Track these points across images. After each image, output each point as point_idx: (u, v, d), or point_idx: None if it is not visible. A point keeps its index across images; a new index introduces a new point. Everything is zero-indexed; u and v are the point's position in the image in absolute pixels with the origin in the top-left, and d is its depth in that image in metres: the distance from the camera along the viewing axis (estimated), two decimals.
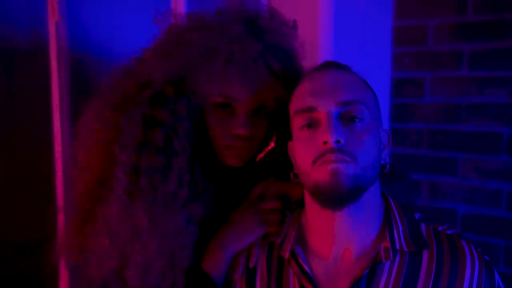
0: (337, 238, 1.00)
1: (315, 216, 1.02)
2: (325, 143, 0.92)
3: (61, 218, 1.76)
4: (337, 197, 0.93)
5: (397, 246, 0.98)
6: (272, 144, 1.31)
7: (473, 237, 1.95)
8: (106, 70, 1.74)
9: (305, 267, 1.01)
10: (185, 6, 1.99)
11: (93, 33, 1.93)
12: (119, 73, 1.26)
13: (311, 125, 0.97)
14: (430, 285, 0.96)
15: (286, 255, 1.04)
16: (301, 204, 1.11)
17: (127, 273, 1.11)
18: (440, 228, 1.03)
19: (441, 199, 2.01)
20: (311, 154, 0.95)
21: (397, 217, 1.03)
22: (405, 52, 2.15)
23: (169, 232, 1.11)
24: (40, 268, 1.74)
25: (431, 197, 2.01)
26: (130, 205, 1.11)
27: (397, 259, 0.98)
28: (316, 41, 1.88)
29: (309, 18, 1.90)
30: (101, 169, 1.18)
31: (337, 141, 0.92)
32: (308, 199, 1.02)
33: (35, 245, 1.77)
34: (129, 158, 1.12)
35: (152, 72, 1.17)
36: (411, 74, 2.14)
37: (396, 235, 1.00)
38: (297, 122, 0.99)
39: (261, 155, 1.31)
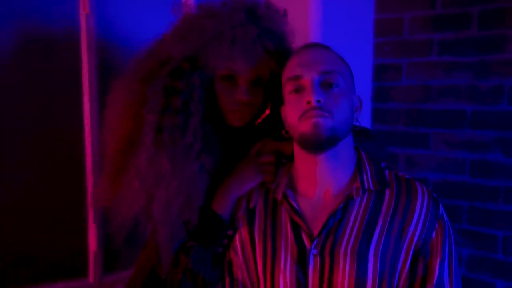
0: (319, 181, 1.16)
1: (302, 161, 1.17)
2: (308, 102, 1.07)
3: (89, 182, 1.91)
4: (318, 143, 1.09)
5: (366, 186, 1.13)
6: (267, 111, 1.42)
7: (442, 200, 2.00)
8: (127, 56, 1.80)
9: (294, 205, 1.16)
10: None
11: (117, 24, 1.99)
12: (144, 54, 1.38)
13: (298, 90, 1.12)
14: (390, 214, 1.13)
15: (279, 197, 1.19)
16: (290, 159, 1.25)
17: (153, 208, 1.25)
18: (400, 174, 1.19)
19: (415, 169, 2.13)
20: (298, 111, 1.10)
21: (367, 165, 1.19)
22: (385, 41, 2.25)
23: (186, 176, 1.25)
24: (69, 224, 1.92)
25: (407, 167, 2.13)
26: (156, 155, 1.24)
27: (365, 196, 1.14)
28: (306, 31, 2.00)
29: (300, 11, 2.02)
30: (130, 130, 1.31)
31: (318, 101, 1.07)
32: (296, 148, 1.17)
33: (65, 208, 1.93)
34: (155, 119, 1.25)
35: (171, 51, 1.30)
36: (389, 60, 2.24)
37: (365, 178, 1.15)
38: (287, 88, 1.14)
39: (259, 120, 1.41)
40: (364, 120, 2.16)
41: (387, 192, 1.16)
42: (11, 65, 1.84)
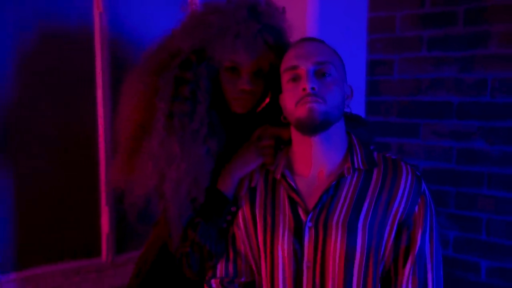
0: (314, 162, 1.24)
1: (298, 144, 1.25)
2: (304, 89, 1.15)
3: (102, 169, 1.96)
4: (312, 126, 1.17)
5: (356, 165, 1.21)
6: (267, 100, 1.47)
7: (431, 186, 2.12)
8: (137, 51, 1.85)
9: (292, 183, 1.23)
10: None
11: (128, 22, 2.00)
12: (155, 48, 1.44)
13: (295, 79, 1.19)
14: (377, 190, 1.21)
15: (278, 176, 1.26)
16: (288, 144, 1.32)
17: (164, 187, 1.31)
18: (387, 155, 1.27)
19: (406, 157, 2.17)
20: (295, 98, 1.18)
21: (357, 148, 1.26)
22: (378, 38, 2.28)
23: (194, 158, 1.31)
24: (84, 207, 1.96)
25: (399, 156, 2.21)
26: (167, 138, 1.30)
27: (356, 175, 1.22)
28: (304, 28, 2.02)
29: (299, 9, 2.04)
30: (143, 117, 1.36)
31: (312, 88, 1.15)
32: (293, 132, 1.24)
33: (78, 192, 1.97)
34: (166, 106, 1.31)
35: (180, 45, 1.35)
36: (382, 56, 2.28)
37: (355, 159, 1.23)
38: (285, 77, 1.22)
39: (260, 107, 1.47)
40: (359, 112, 2.19)
41: (375, 171, 1.23)
42: (32, 58, 1.84)
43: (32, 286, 1.84)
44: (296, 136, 1.25)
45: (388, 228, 1.20)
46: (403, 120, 2.23)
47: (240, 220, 1.33)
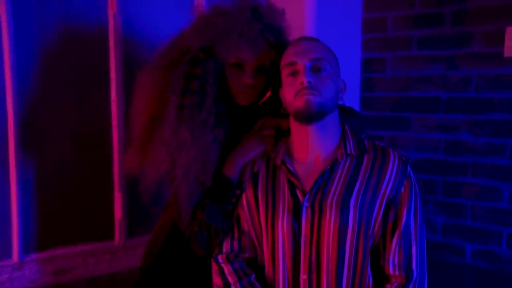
0: (311, 148, 1.31)
1: (296, 132, 1.32)
2: (301, 83, 1.23)
3: (115, 159, 1.99)
4: (309, 116, 1.25)
5: (348, 152, 1.30)
6: (269, 93, 1.53)
7: (420, 175, 2.17)
8: (148, 49, 1.96)
9: (291, 168, 1.31)
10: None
11: (139, 22, 2.04)
12: (166, 46, 1.49)
13: (293, 73, 1.27)
14: (367, 174, 1.29)
15: (278, 162, 1.34)
16: (287, 133, 1.39)
17: (176, 171, 1.36)
18: (377, 143, 1.36)
19: (398, 149, 2.22)
20: (293, 91, 1.26)
21: (350, 136, 1.34)
22: (371, 37, 2.31)
23: (202, 146, 1.37)
24: (98, 194, 1.99)
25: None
26: (178, 127, 1.36)
27: (348, 160, 1.31)
28: (302, 29, 2.07)
29: (297, 11, 2.09)
30: (156, 109, 1.42)
31: (309, 82, 1.23)
32: (292, 122, 1.32)
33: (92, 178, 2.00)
34: (177, 98, 1.37)
35: (190, 44, 1.41)
36: (376, 54, 2.30)
37: (348, 146, 1.31)
38: (284, 72, 1.29)
39: (262, 100, 1.52)
40: (354, 106, 2.22)
41: (365, 157, 1.32)
42: (52, 57, 1.86)
43: (51, 266, 1.88)
44: (294, 125, 1.33)
45: (377, 206, 1.29)
46: (395, 114, 2.26)
47: (244, 202, 1.39)
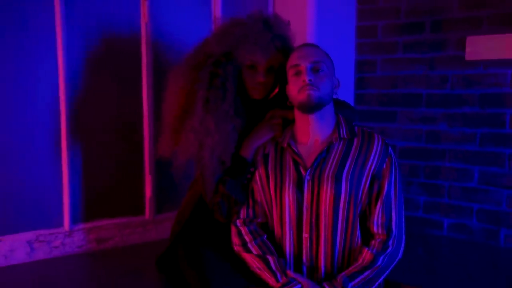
0: (311, 133, 1.46)
1: (299, 121, 1.47)
2: (304, 81, 1.39)
3: (146, 146, 2.08)
4: (310, 107, 1.40)
5: (341, 136, 1.45)
6: (277, 89, 1.64)
7: (406, 161, 2.22)
8: (174, 54, 2.07)
9: (295, 149, 1.46)
10: (220, 11, 2.21)
11: (167, 30, 2.11)
12: (193, 51, 1.62)
13: (297, 73, 1.42)
14: (356, 153, 1.44)
15: (285, 145, 1.48)
16: (292, 122, 1.52)
17: (203, 153, 1.47)
18: (365, 129, 1.51)
19: (386, 139, 2.07)
20: (297, 87, 1.41)
21: (343, 124, 1.49)
22: (364, 42, 2.38)
23: (224, 132, 1.48)
24: (132, 176, 2.09)
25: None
26: (204, 116, 1.49)
27: (341, 142, 1.46)
28: (305, 36, 2.15)
29: (301, 21, 2.17)
30: (185, 102, 1.54)
31: (310, 80, 1.38)
32: (296, 112, 1.47)
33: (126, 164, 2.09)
34: (203, 93, 1.49)
35: (213, 49, 1.54)
36: (368, 57, 2.38)
37: (341, 131, 1.47)
38: (290, 72, 1.45)
39: (272, 95, 1.63)
40: (349, 102, 2.12)
41: (355, 140, 1.47)
42: (95, 59, 1.95)
43: (93, 234, 1.99)
44: (298, 115, 1.48)
45: (364, 179, 1.44)
46: (384, 108, 2.34)
47: (257, 177, 1.53)
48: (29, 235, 1.85)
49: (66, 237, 1.94)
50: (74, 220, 1.98)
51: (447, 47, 2.11)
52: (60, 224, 1.94)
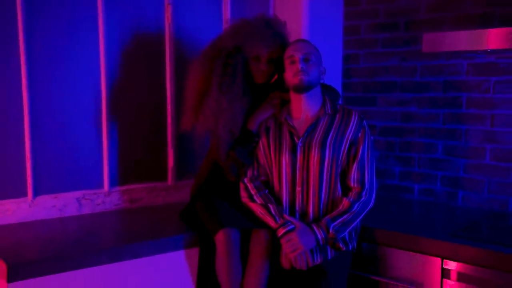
0: (303, 110, 1.70)
1: (294, 100, 1.71)
2: (297, 68, 1.63)
3: (169, 125, 2.24)
4: (302, 88, 1.64)
5: (326, 112, 1.70)
6: (276, 75, 1.83)
7: (384, 138, 2.39)
8: (192, 49, 2.23)
9: (290, 123, 1.71)
10: (229, 13, 2.34)
11: (187, 29, 2.24)
12: (210, 45, 1.82)
13: (292, 62, 1.65)
14: (338, 125, 1.68)
15: (282, 120, 1.72)
16: (288, 102, 1.74)
17: (218, 126, 1.67)
18: (345, 107, 1.75)
19: (368, 120, 2.36)
20: (292, 73, 1.65)
21: (328, 102, 1.74)
22: (350, 39, 2.51)
23: (235, 110, 1.69)
24: (156, 149, 2.22)
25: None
26: (219, 97, 1.69)
27: (326, 117, 1.71)
28: (299, 33, 2.33)
29: (296, 22, 2.33)
30: (203, 87, 1.73)
31: (302, 68, 1.62)
32: (291, 93, 1.70)
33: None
34: (218, 79, 1.70)
35: (226, 44, 1.74)
36: (352, 51, 2.52)
37: (326, 108, 1.71)
38: (287, 62, 1.68)
39: (272, 80, 1.83)
40: (337, 89, 2.19)
41: (337, 115, 1.72)
42: (128, 54, 2.09)
43: (126, 196, 2.16)
44: (292, 95, 1.72)
45: (343, 145, 1.70)
46: (366, 94, 2.48)
47: (261, 145, 1.77)
48: (78, 193, 2.05)
49: (105, 196, 2.13)
50: (112, 183, 2.16)
51: (417, 43, 2.27)
52: (101, 186, 2.12)
